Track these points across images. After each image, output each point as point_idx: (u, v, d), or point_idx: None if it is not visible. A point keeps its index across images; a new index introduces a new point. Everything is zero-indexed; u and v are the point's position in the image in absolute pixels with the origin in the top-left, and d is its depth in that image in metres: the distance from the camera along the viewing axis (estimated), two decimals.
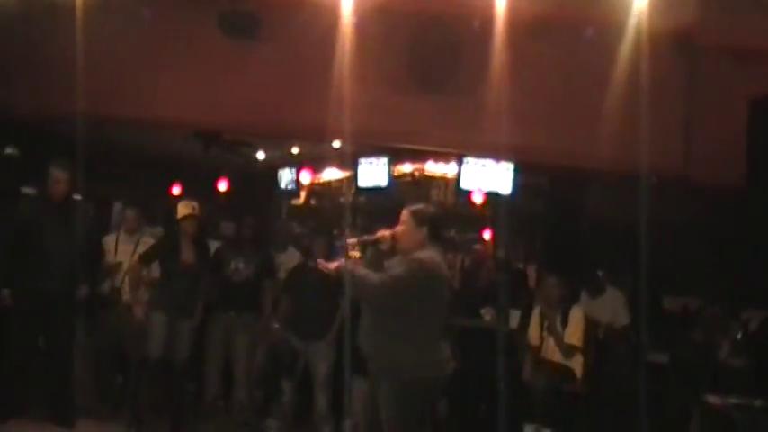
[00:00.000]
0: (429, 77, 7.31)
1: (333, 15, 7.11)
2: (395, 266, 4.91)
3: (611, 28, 6.81)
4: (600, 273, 10.00)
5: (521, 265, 10.40)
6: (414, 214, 5.01)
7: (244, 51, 7.62)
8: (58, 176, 6.64)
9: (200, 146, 10.10)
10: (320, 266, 5.17)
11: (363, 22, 7.18)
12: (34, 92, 7.59)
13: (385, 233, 5.01)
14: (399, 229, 5.00)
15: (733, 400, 5.55)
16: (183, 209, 7.18)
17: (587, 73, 7.14)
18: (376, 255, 5.02)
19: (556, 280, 7.39)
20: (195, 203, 7.31)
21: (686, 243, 9.87)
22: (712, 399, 5.72)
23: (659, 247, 10.22)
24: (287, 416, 7.48)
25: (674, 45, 7.07)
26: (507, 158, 9.23)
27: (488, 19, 6.88)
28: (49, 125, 6.93)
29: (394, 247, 5.01)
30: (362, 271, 4.88)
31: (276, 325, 7.58)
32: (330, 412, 7.42)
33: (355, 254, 11.86)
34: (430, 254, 4.91)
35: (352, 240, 5.17)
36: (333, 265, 5.03)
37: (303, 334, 7.32)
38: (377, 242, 5.01)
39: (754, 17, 6.68)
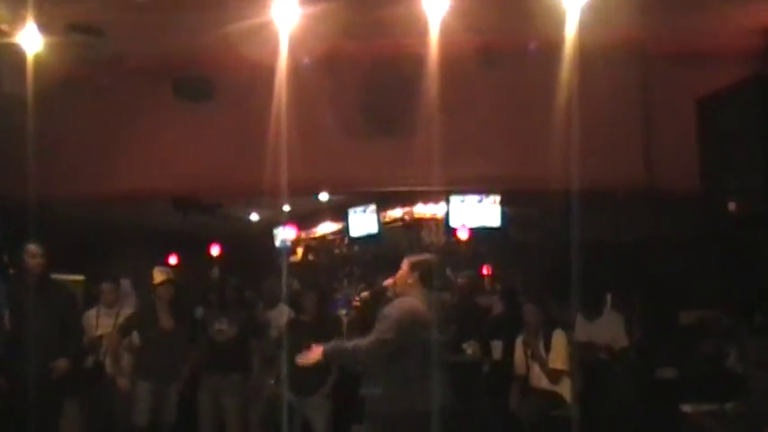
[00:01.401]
0: (384, 119, 7.32)
1: (280, 69, 7.15)
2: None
3: (556, 45, 6.80)
4: (608, 295, 9.96)
5: (520, 298, 10.28)
6: (409, 263, 5.27)
7: (200, 114, 7.71)
8: (34, 251, 6.65)
9: (179, 213, 10.18)
10: (301, 363, 5.43)
11: (312, 72, 7.24)
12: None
13: (389, 282, 5.32)
14: (398, 275, 5.27)
15: (705, 407, 5.43)
16: (158, 275, 7.22)
17: (541, 93, 7.10)
18: (377, 302, 5.42)
19: (532, 307, 7.34)
20: (169, 269, 7.36)
21: (690, 254, 9.73)
22: (686, 408, 5.59)
23: (662, 262, 10.17)
24: None
25: (624, 54, 7.04)
26: (473, 190, 9.18)
27: (434, 54, 6.89)
28: (29, 208, 6.96)
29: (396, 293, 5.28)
30: (349, 345, 5.20)
31: (272, 382, 7.55)
32: None
33: (357, 304, 11.90)
34: (409, 299, 5.15)
35: (365, 294, 5.37)
36: (313, 355, 5.30)
37: (298, 389, 7.26)
38: (385, 291, 5.35)
39: (697, 17, 6.63)
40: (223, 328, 7.48)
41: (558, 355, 7.12)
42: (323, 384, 7.27)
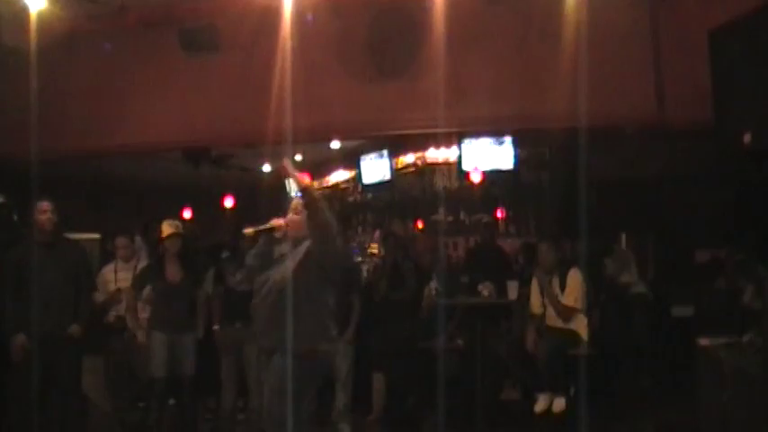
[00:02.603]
0: (392, 63, 7.26)
1: (287, 16, 7.10)
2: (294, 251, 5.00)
3: None
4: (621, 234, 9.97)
5: (532, 239, 10.28)
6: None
7: (208, 65, 7.67)
8: (44, 207, 6.54)
9: (191, 165, 10.17)
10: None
11: (318, 18, 7.17)
12: (6, 137, 7.71)
13: (279, 222, 5.08)
14: (294, 217, 5.07)
15: (721, 340, 5.43)
16: (166, 228, 7.23)
17: (549, 32, 7.01)
18: (268, 242, 5.11)
19: (547, 246, 7.33)
20: (178, 222, 7.38)
21: (703, 190, 9.68)
22: (702, 341, 5.59)
23: (675, 199, 10.13)
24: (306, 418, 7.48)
25: None
26: (483, 131, 9.13)
27: None
28: (35, 167, 6.95)
29: (286, 235, 5.09)
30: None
31: None
32: (349, 409, 7.45)
33: (374, 250, 11.93)
34: None
35: (248, 230, 5.19)
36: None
37: None
38: (272, 230, 5.08)
39: None
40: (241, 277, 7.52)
41: (572, 293, 7.11)
42: (344, 330, 7.31)
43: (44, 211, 6.56)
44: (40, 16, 6.98)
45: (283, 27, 7.18)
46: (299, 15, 7.11)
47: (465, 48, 7.02)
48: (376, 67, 7.31)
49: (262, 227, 5.12)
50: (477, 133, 10.22)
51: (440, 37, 7.01)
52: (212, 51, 7.60)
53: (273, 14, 7.21)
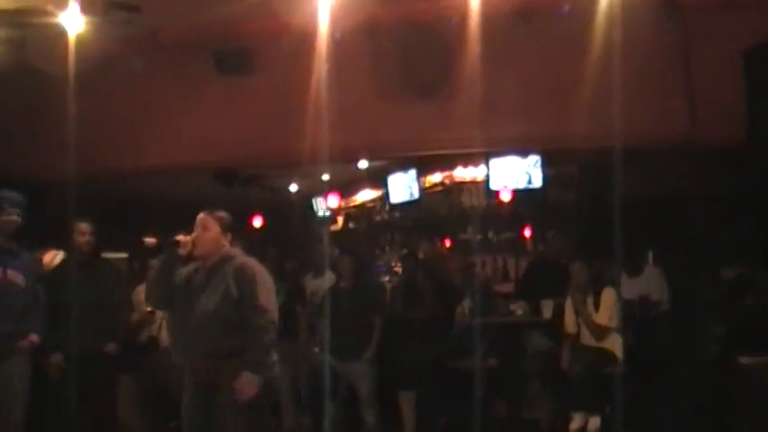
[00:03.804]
0: (423, 82, 7.30)
1: (320, 38, 7.16)
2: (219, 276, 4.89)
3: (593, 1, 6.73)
4: (649, 252, 9.90)
5: (562, 259, 10.25)
6: (219, 220, 4.99)
7: (240, 86, 7.74)
8: (84, 229, 6.61)
9: (222, 185, 10.24)
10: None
11: (350, 39, 7.23)
12: (41, 159, 7.82)
13: (185, 238, 4.90)
14: (201, 234, 4.93)
15: (763, 359, 5.40)
16: None
17: (580, 51, 7.03)
18: (171, 258, 4.96)
19: (580, 265, 7.32)
20: None
21: (730, 211, 9.64)
22: (744, 359, 5.56)
23: (704, 218, 10.08)
24: None
25: (663, 7, 6.93)
26: (513, 150, 9.13)
27: (469, 15, 6.85)
28: (67, 188, 7.03)
29: (191, 254, 4.93)
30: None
31: (316, 349, 7.62)
32: (380, 429, 7.44)
33: (398, 269, 11.92)
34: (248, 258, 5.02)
35: (150, 240, 5.10)
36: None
37: (341, 355, 7.32)
38: (177, 245, 4.89)
39: None
40: None
41: (606, 312, 7.10)
42: (365, 349, 7.32)
43: (83, 233, 6.61)
44: (77, 40, 7.08)
45: (315, 48, 7.25)
46: (330, 36, 7.18)
47: (496, 67, 7.03)
48: (407, 87, 7.33)
49: (169, 240, 4.93)
50: (505, 152, 10.22)
51: (471, 57, 7.05)
52: (245, 72, 7.67)
53: (305, 35, 7.28)
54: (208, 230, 4.92)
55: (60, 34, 6.95)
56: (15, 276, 5.95)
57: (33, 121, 7.94)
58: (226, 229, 5.02)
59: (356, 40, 7.29)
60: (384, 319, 7.56)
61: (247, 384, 4.74)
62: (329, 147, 7.18)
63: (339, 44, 7.20)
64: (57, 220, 6.99)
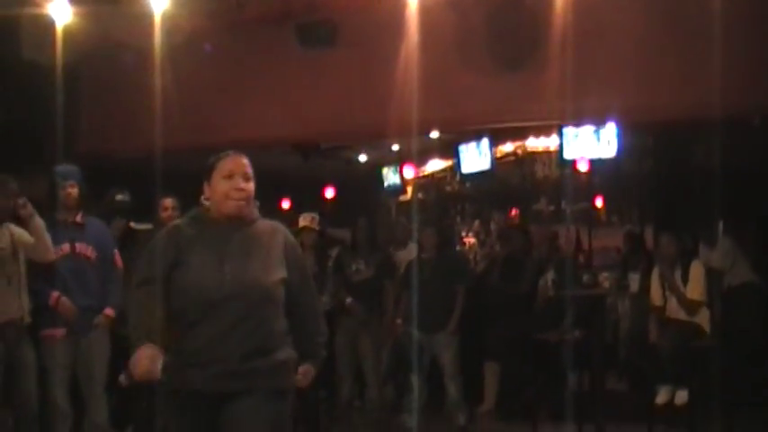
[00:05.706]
0: (511, 55, 7.24)
1: (405, 10, 7.16)
2: None
3: None
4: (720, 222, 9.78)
5: (636, 229, 10.17)
6: None
7: (325, 60, 7.75)
8: (168, 204, 6.58)
9: (300, 158, 10.31)
10: None
11: (436, 11, 7.19)
12: (128, 134, 7.94)
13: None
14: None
15: None
16: (302, 221, 7.46)
17: (670, 22, 6.92)
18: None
19: (668, 238, 7.27)
20: (315, 216, 7.54)
21: None
22: None
23: None
24: (420, 409, 7.56)
25: None
26: (604, 122, 9.02)
27: None
28: (146, 164, 7.12)
29: None
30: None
31: (399, 321, 7.69)
32: (462, 400, 7.50)
33: (470, 240, 11.91)
34: None
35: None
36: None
37: (424, 327, 7.36)
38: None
39: None
40: (361, 268, 7.64)
41: (696, 286, 7.04)
42: (448, 320, 7.36)
43: (166, 208, 6.56)
44: (163, 17, 7.15)
45: (400, 21, 7.24)
46: (416, 9, 7.16)
47: (584, 39, 6.94)
48: (494, 59, 7.28)
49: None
50: (579, 122, 10.10)
51: (559, 29, 6.99)
52: (329, 46, 7.67)
53: (390, 8, 7.28)
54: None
55: (147, 9, 7.06)
56: (85, 249, 5.93)
57: (121, 98, 8.04)
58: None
59: (442, 12, 7.23)
60: (467, 291, 7.61)
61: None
62: (414, 120, 7.19)
63: (424, 16, 7.17)
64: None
